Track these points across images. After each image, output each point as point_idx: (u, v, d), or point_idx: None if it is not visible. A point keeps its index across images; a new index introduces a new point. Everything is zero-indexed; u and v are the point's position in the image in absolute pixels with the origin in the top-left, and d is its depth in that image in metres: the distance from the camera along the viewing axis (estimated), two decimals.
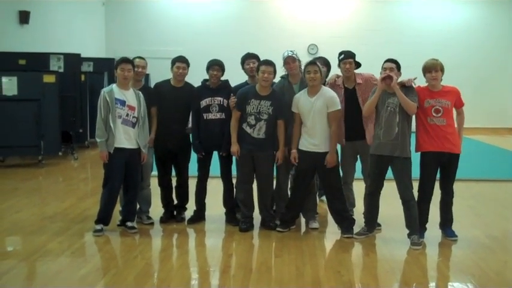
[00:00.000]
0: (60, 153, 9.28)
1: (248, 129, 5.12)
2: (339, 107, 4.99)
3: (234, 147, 5.17)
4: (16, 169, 8.61)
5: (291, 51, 5.21)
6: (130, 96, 5.02)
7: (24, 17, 10.61)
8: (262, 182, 5.27)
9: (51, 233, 5.11)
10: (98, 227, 5.06)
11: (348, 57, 5.20)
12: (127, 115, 4.97)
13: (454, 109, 4.90)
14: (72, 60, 10.27)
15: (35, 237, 4.97)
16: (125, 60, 5.01)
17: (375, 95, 4.83)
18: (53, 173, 8.43)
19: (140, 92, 5.13)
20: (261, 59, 5.30)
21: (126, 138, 4.98)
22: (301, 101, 5.01)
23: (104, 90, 5.00)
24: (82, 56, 10.86)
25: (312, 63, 4.97)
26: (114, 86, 5.04)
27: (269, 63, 5.07)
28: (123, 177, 5.04)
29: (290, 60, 5.17)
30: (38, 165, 8.69)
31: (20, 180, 7.71)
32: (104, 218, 5.08)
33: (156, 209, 5.57)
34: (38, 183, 7.83)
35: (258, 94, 5.10)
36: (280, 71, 5.32)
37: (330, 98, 4.96)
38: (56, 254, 4.55)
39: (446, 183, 4.98)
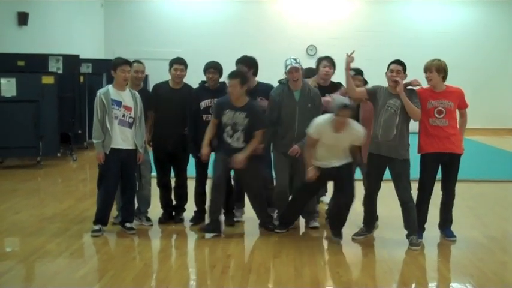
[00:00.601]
0: (58, 155, 9.25)
1: (228, 139, 5.02)
2: (362, 142, 4.86)
3: (205, 149, 5.06)
4: (15, 170, 8.60)
5: (294, 59, 5.08)
6: (127, 97, 5.01)
7: (23, 19, 10.58)
8: (251, 189, 5.22)
9: (50, 234, 5.10)
10: (96, 227, 5.05)
11: (357, 74, 5.23)
12: (123, 116, 4.96)
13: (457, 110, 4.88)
14: (71, 61, 10.25)
15: (34, 238, 4.97)
16: (125, 62, 5.00)
17: (346, 79, 4.87)
18: (52, 174, 8.42)
19: (136, 92, 5.12)
20: (257, 61, 5.34)
21: (122, 138, 4.97)
22: (325, 135, 4.73)
23: (100, 92, 4.99)
24: (81, 57, 10.84)
25: (345, 107, 4.55)
26: (109, 87, 5.03)
27: (233, 75, 4.94)
28: (118, 177, 5.03)
29: (294, 70, 5.05)
30: (37, 167, 8.68)
31: (18, 181, 7.70)
32: (101, 218, 5.08)
33: (155, 210, 5.56)
34: (37, 184, 7.84)
35: (233, 105, 4.98)
36: (277, 75, 5.30)
37: (357, 137, 4.78)
38: (54, 255, 4.54)
39: (447, 184, 4.96)
